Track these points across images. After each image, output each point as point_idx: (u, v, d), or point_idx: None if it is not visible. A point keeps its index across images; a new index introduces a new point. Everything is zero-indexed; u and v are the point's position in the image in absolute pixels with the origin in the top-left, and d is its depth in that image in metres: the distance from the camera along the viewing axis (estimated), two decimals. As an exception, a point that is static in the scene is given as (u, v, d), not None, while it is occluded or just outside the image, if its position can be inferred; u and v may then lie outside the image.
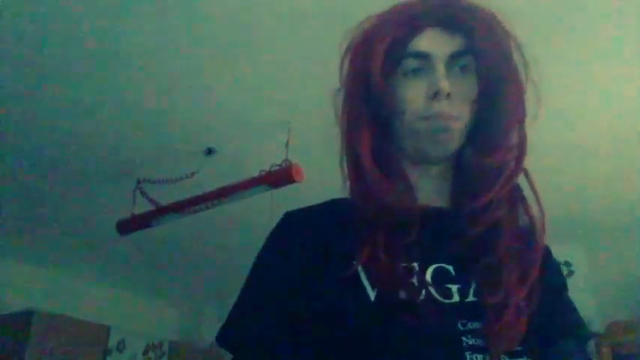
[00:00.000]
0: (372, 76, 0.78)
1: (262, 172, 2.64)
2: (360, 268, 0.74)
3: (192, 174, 2.92)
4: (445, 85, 0.76)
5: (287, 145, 2.65)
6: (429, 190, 0.83)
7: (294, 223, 0.83)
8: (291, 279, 0.77)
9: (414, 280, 0.73)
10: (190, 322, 5.26)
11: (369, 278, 0.73)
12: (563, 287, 0.87)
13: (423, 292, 0.73)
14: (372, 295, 0.72)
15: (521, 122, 0.80)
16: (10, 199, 3.44)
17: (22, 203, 3.50)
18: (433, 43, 0.78)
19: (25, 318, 3.66)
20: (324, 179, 3.13)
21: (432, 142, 0.78)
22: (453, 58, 0.78)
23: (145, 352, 4.28)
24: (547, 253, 0.85)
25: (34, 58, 2.35)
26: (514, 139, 0.79)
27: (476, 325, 0.72)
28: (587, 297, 3.67)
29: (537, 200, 0.80)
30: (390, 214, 0.75)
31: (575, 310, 0.85)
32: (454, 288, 0.74)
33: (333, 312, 0.72)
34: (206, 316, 5.20)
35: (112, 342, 4.07)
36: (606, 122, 2.68)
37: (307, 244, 0.79)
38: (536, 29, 2.16)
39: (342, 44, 0.87)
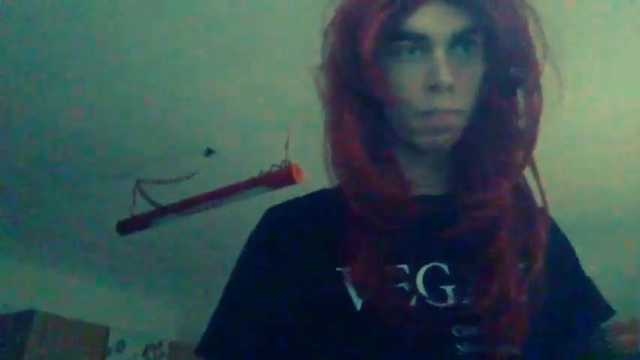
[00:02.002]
0: (361, 60, 0.66)
1: (262, 173, 2.64)
2: (345, 274, 0.66)
3: (192, 175, 2.92)
4: (446, 76, 0.64)
5: (287, 145, 2.65)
6: (424, 179, 0.74)
7: (276, 221, 0.76)
8: (273, 284, 0.70)
9: (405, 285, 0.66)
10: (190, 322, 5.26)
11: (355, 286, 0.66)
12: (574, 263, 0.78)
13: (414, 297, 0.66)
14: (357, 304, 0.65)
15: (535, 111, 0.70)
16: (11, 199, 3.44)
17: (23, 203, 3.50)
18: (432, 20, 0.65)
19: (25, 318, 3.66)
20: (324, 180, 3.14)
21: (428, 141, 0.69)
22: (455, 39, 0.66)
23: (145, 353, 4.28)
24: (552, 229, 0.76)
25: (34, 59, 2.35)
26: (525, 129, 0.70)
27: (473, 330, 0.64)
28: (587, 297, 3.68)
29: (541, 192, 0.72)
30: (380, 206, 0.67)
31: (589, 282, 0.77)
32: (449, 289, 0.66)
33: (317, 321, 0.66)
34: (206, 316, 5.19)
35: (112, 342, 4.07)
36: (606, 123, 2.68)
37: (290, 244, 0.71)
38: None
39: (325, 15, 0.73)
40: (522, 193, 0.72)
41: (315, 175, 3.15)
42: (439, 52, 0.65)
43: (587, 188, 3.21)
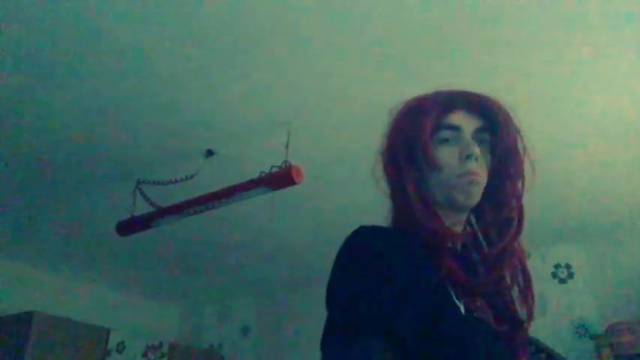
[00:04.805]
0: (421, 140, 1.00)
1: (262, 174, 2.64)
2: (447, 285, 0.91)
3: (192, 175, 2.92)
4: (477, 149, 0.99)
5: (287, 146, 2.65)
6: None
7: (376, 237, 0.93)
8: (394, 291, 0.85)
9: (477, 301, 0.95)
10: (190, 322, 5.26)
11: (456, 295, 0.91)
12: None
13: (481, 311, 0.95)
14: (461, 307, 0.91)
15: (522, 191, 1.03)
16: (11, 199, 3.44)
17: (22, 204, 3.50)
18: (463, 119, 1.02)
19: (25, 319, 3.66)
20: (323, 180, 3.14)
21: (464, 193, 0.99)
22: (476, 133, 1.01)
23: (145, 354, 4.27)
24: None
25: (33, 59, 2.35)
26: (516, 203, 1.02)
27: (505, 345, 0.97)
28: (588, 298, 3.67)
29: (526, 272, 1.03)
30: (437, 241, 0.94)
31: None
32: (489, 314, 0.98)
33: (433, 323, 0.85)
34: (206, 317, 5.20)
35: (112, 343, 4.07)
36: (607, 123, 2.68)
37: (396, 256, 0.90)
38: (539, 29, 2.17)
39: (389, 116, 1.09)
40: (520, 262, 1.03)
41: (314, 176, 3.14)
42: (469, 137, 1.00)
43: (588, 188, 3.21)
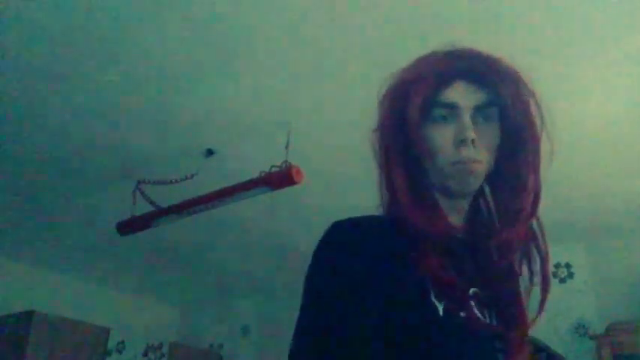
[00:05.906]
0: (408, 123, 0.88)
1: (262, 174, 2.64)
2: (428, 284, 0.81)
3: (192, 175, 2.92)
4: (471, 133, 0.86)
5: (287, 146, 2.65)
6: (458, 220, 0.93)
7: (351, 233, 0.85)
8: (369, 289, 0.79)
9: (468, 299, 0.85)
10: (190, 322, 5.26)
11: (436, 294, 0.81)
12: None
13: (474, 310, 0.85)
14: (440, 309, 0.81)
15: (536, 171, 0.91)
16: (11, 199, 3.44)
17: (23, 204, 3.50)
18: (461, 94, 0.87)
19: (25, 319, 3.66)
20: (323, 180, 3.14)
21: (459, 182, 0.88)
22: (477, 109, 0.88)
23: (145, 354, 4.28)
24: None
25: (34, 59, 2.35)
26: (530, 184, 0.90)
27: (502, 345, 0.85)
28: (588, 297, 3.67)
29: (543, 254, 0.91)
30: (426, 235, 0.84)
31: None
32: (486, 311, 0.87)
33: (406, 324, 0.79)
34: (206, 317, 5.20)
35: (112, 343, 4.07)
36: (607, 123, 2.68)
37: (371, 253, 0.81)
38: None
39: (379, 91, 0.95)
40: (533, 245, 0.92)
41: (314, 176, 3.14)
42: (466, 117, 0.86)
43: (588, 188, 3.21)
